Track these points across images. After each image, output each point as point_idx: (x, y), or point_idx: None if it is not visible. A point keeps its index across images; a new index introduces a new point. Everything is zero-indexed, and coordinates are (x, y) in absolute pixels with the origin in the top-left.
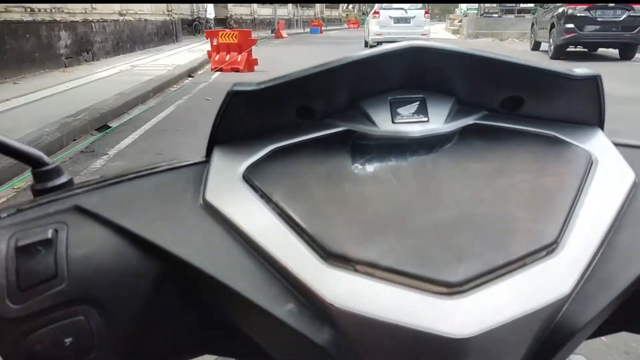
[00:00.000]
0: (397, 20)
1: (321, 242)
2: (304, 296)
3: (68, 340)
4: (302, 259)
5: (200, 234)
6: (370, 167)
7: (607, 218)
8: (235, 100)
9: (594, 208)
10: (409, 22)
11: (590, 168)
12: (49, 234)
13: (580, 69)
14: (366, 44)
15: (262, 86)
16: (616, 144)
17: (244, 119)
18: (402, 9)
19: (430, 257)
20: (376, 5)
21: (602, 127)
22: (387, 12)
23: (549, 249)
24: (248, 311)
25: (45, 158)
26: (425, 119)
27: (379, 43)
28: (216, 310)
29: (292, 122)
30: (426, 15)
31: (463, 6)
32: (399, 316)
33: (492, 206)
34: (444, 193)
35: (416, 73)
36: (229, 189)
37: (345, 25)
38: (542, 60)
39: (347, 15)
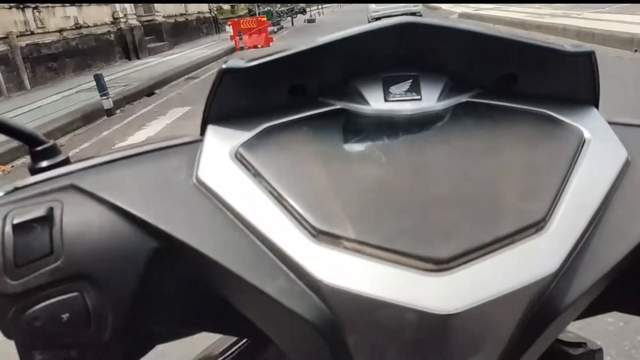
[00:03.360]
0: None
1: (311, 219)
2: (293, 273)
3: (65, 316)
4: (292, 236)
5: (193, 213)
6: (361, 146)
7: (597, 196)
8: (226, 79)
9: (584, 186)
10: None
11: (582, 146)
12: (45, 211)
13: (574, 45)
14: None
15: (254, 64)
16: (610, 123)
17: (236, 98)
18: None
19: (418, 234)
20: None
21: (596, 105)
22: None
23: (538, 226)
24: (239, 288)
25: (42, 137)
26: (418, 97)
27: (378, 19)
28: (210, 287)
29: (284, 100)
30: None
31: None
32: (386, 292)
33: (482, 184)
34: (435, 171)
35: (409, 50)
36: (221, 168)
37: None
38: None
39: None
